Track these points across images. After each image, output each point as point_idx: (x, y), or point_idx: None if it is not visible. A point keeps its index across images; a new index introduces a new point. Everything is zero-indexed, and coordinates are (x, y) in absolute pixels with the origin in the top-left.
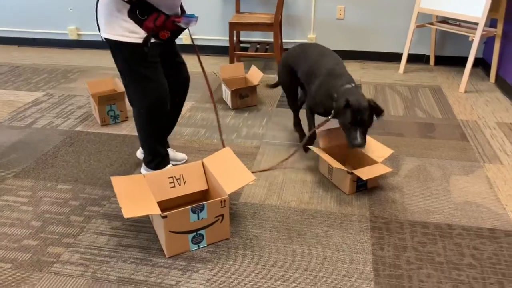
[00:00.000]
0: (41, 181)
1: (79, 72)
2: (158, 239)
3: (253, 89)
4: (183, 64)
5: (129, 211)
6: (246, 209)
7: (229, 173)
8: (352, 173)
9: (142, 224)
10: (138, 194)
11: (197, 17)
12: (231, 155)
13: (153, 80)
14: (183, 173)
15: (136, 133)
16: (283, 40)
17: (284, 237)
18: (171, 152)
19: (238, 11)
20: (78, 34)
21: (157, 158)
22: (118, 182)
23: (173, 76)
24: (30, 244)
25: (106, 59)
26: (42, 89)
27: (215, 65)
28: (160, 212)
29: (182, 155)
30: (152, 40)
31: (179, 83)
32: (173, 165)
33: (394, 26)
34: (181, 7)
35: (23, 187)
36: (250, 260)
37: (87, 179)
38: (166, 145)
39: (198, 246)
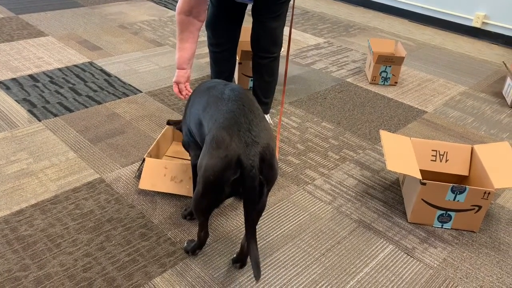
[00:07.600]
0: (309, 114)
1: (360, 29)
2: (403, 201)
3: None
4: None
5: (392, 165)
6: (502, 213)
7: (502, 168)
8: None
9: (390, 183)
10: (403, 153)
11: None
12: (509, 151)
13: None
14: (448, 151)
15: None
16: None
17: None
18: None
19: None
20: None
21: None
22: (386, 137)
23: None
24: (294, 161)
25: (385, 22)
26: (324, 36)
27: (501, 56)
28: (420, 177)
29: None
30: None
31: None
32: None
33: None
34: None
35: (295, 114)
36: (494, 262)
37: (348, 125)
38: None
39: (442, 225)
